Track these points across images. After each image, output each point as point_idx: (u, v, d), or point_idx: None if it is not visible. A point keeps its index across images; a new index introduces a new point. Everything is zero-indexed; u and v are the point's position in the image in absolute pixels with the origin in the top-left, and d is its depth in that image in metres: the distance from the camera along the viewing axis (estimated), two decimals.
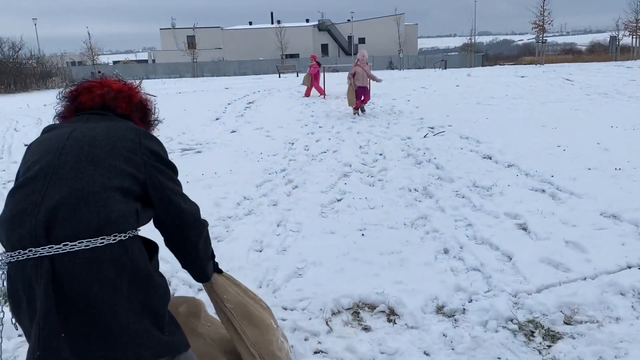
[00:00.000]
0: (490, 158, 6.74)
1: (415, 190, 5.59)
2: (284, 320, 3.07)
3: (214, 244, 4.28)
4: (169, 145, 8.81)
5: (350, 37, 59.08)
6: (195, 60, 48.65)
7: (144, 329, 1.70)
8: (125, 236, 1.67)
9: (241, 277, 3.63)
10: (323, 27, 60.97)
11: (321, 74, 16.21)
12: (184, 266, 2.13)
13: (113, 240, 1.64)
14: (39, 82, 32.45)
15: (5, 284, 1.67)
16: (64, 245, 1.59)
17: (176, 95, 19.54)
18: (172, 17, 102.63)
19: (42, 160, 1.71)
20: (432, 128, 9.10)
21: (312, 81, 16.02)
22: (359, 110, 11.57)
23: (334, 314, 3.16)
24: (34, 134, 10.77)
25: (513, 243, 3.99)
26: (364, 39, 60.47)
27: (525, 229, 4.30)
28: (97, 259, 1.61)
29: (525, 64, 38.31)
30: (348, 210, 5.04)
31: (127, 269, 1.67)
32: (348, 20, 60.64)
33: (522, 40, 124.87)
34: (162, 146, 1.96)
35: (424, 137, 8.38)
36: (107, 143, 1.75)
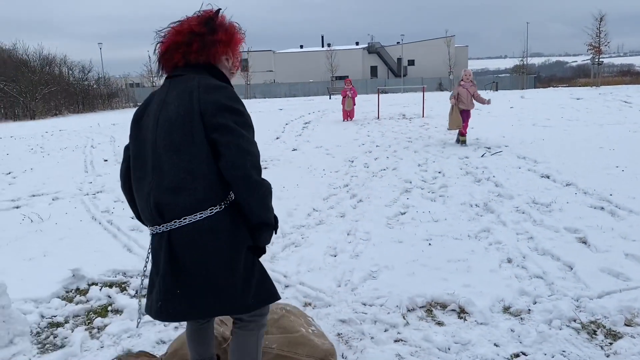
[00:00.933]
0: (548, 177, 6.95)
1: (476, 205, 5.89)
2: (364, 313, 3.45)
3: (291, 250, 4.76)
4: None
5: (399, 59, 59.55)
6: (248, 83, 50.21)
7: (244, 281, 2.07)
8: (221, 207, 2.01)
9: (321, 277, 4.09)
10: (372, 49, 61.76)
11: (347, 98, 15.87)
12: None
13: (210, 212, 1.99)
14: (104, 102, 34.37)
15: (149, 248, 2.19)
16: (172, 222, 1.99)
17: None
18: None
19: (142, 155, 2.06)
20: (488, 148, 9.34)
21: (345, 102, 16.03)
22: (461, 138, 10.03)
23: (409, 310, 3.52)
24: (109, 151, 11.67)
25: (573, 254, 4.24)
26: (413, 60, 60.84)
27: (585, 242, 4.54)
28: (198, 229, 1.98)
29: (580, 86, 37.61)
30: (413, 223, 5.40)
31: (224, 235, 2.01)
32: (397, 42, 61.20)
33: (576, 61, 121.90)
34: (224, 93, 2.00)
35: (482, 156, 8.64)
36: (179, 124, 1.96)
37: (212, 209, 1.99)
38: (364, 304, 3.62)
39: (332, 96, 36.96)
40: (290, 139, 12.39)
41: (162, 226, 2.01)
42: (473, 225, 5.19)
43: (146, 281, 2.26)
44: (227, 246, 2.02)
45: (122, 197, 7.06)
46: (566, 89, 33.19)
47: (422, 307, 3.56)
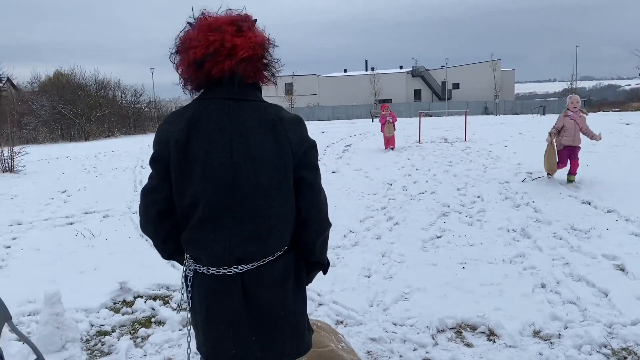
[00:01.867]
0: (589, 203, 6.85)
1: (513, 230, 5.87)
2: (394, 333, 3.55)
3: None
4: None
5: (443, 83, 59.36)
6: (292, 106, 51.08)
7: (302, 326, 1.98)
8: (287, 245, 1.89)
9: (354, 296, 4.20)
10: (417, 73, 61.83)
11: (387, 125, 14.08)
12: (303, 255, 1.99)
13: (280, 252, 1.86)
14: (154, 124, 35.70)
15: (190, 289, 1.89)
16: (251, 265, 1.81)
17: None
18: None
19: (217, 193, 1.74)
20: (530, 173, 9.25)
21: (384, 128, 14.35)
22: (569, 178, 8.05)
23: (438, 331, 3.59)
24: None
25: (610, 281, 4.21)
26: (458, 84, 60.51)
27: (622, 270, 4.49)
28: (273, 269, 1.83)
29: (632, 110, 36.44)
30: (448, 246, 5.45)
31: (294, 273, 1.91)
32: (442, 66, 61.05)
33: (629, 85, 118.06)
34: (305, 127, 1.86)
35: (522, 181, 8.58)
36: (269, 164, 1.75)
37: (283, 247, 1.88)
38: (395, 324, 3.71)
39: (374, 119, 37.20)
40: (331, 161, 12.59)
41: (236, 268, 1.80)
42: (509, 250, 5.20)
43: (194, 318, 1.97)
44: (298, 285, 1.95)
45: None
46: (616, 113, 32.24)
47: (452, 328, 3.62)
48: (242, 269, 1.79)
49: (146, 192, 1.86)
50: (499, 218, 6.41)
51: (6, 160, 13.58)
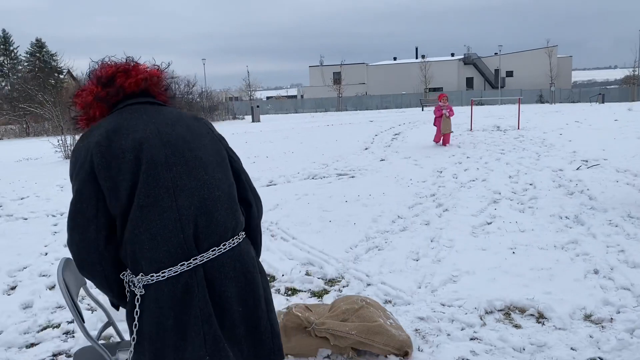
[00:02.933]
0: None
1: (566, 217, 5.77)
2: (442, 313, 3.60)
3: (374, 252, 4.96)
4: (326, 170, 9.79)
5: (496, 70, 57.80)
6: (340, 95, 51.03)
7: (275, 318, 1.93)
8: (244, 232, 1.90)
9: (402, 278, 4.27)
10: (469, 60, 60.46)
11: (444, 119, 12.28)
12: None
13: (242, 236, 1.85)
14: (206, 114, 36.57)
15: (138, 308, 1.71)
16: (211, 251, 1.73)
17: (326, 128, 20.99)
18: (320, 55, 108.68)
19: (153, 175, 1.69)
20: (585, 161, 9.00)
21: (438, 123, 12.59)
22: None
23: (487, 312, 3.62)
24: None
25: None
26: (512, 72, 58.79)
27: None
28: (237, 256, 1.79)
29: None
30: (498, 232, 5.42)
31: (256, 261, 1.90)
32: (495, 53, 59.45)
33: None
34: None
35: (577, 169, 8.36)
36: (198, 142, 1.81)
37: (242, 234, 1.87)
38: (443, 304, 3.76)
39: (424, 108, 36.74)
40: (379, 150, 12.60)
41: (196, 259, 1.70)
42: (560, 237, 5.12)
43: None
44: (262, 273, 1.94)
45: None
46: None
47: (500, 310, 3.64)
48: (203, 259, 1.76)
49: (82, 218, 1.88)
50: (551, 205, 6.30)
51: (69, 148, 14.32)
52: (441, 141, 12.46)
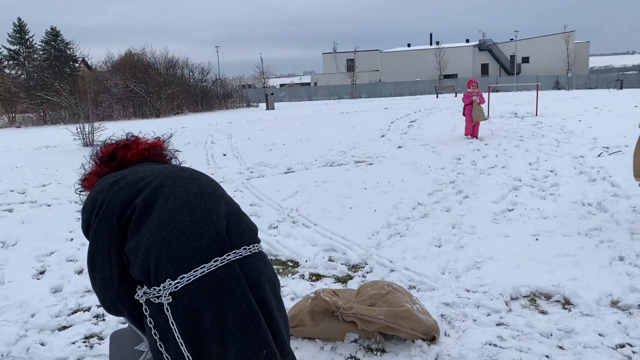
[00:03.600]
0: None
1: (589, 204, 5.73)
2: (467, 299, 3.61)
3: (396, 239, 4.97)
4: (344, 157, 9.79)
5: (512, 57, 57.06)
6: (354, 83, 50.78)
7: (286, 318, 1.88)
8: None
9: (426, 264, 4.28)
10: (484, 46, 59.73)
11: (474, 106, 11.19)
12: None
13: (260, 244, 1.87)
14: (220, 102, 36.65)
15: (172, 319, 1.59)
16: (243, 249, 1.70)
17: (341, 115, 20.94)
18: (334, 42, 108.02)
19: (180, 185, 1.77)
20: (606, 148, 8.89)
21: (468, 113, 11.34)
22: None
23: (512, 299, 3.62)
24: (227, 146, 12.59)
25: None
26: (528, 58, 58.00)
27: None
28: (264, 259, 1.80)
29: None
30: (520, 219, 5.40)
31: (273, 269, 1.88)
32: (511, 39, 58.60)
33: None
34: None
35: (598, 155, 8.27)
36: (210, 181, 1.92)
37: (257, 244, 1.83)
38: (467, 290, 3.77)
39: (439, 95, 36.46)
40: (396, 137, 12.56)
41: (229, 255, 1.65)
42: (584, 224, 5.09)
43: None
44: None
45: (241, 187, 7.72)
46: None
47: (526, 296, 3.64)
48: (236, 255, 1.78)
49: (107, 263, 2.00)
50: (573, 192, 6.25)
51: (87, 135, 14.47)
52: (472, 134, 11.25)
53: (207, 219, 1.67)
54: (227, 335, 1.58)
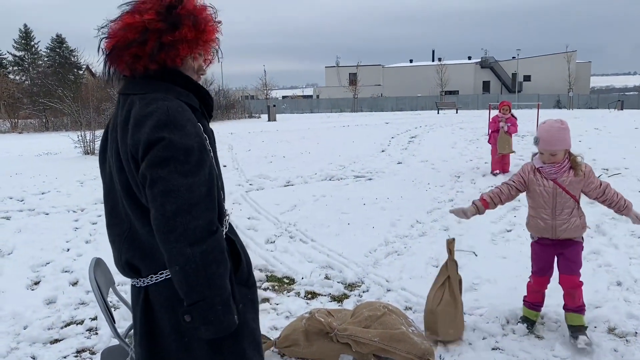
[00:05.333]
0: None
1: (587, 227, 5.70)
2: (464, 322, 3.58)
3: (394, 257, 4.95)
4: (344, 172, 9.79)
5: (514, 75, 57.34)
6: (355, 96, 51.00)
7: None
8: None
9: (423, 284, 4.24)
10: (486, 64, 60.07)
11: (501, 134, 9.00)
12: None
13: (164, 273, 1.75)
14: (223, 113, 36.75)
15: (240, 249, 1.82)
16: (149, 277, 1.69)
17: (342, 128, 20.98)
18: (337, 55, 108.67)
19: (110, 195, 1.75)
20: (606, 170, 8.90)
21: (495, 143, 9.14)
22: None
23: (508, 322, 3.59)
24: (228, 158, 12.59)
25: None
26: (529, 76, 58.32)
27: None
28: (157, 292, 1.72)
29: None
30: (519, 240, 5.38)
31: (165, 307, 1.75)
32: (513, 57, 58.95)
33: None
34: (144, 120, 1.54)
35: (598, 177, 8.25)
36: (116, 164, 1.68)
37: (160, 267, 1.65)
38: (464, 313, 3.73)
39: (440, 111, 36.59)
40: (396, 152, 12.58)
41: (139, 280, 1.67)
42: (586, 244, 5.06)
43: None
44: (175, 330, 1.68)
45: (240, 200, 7.71)
46: None
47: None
48: (145, 283, 1.64)
49: None
50: None
51: (88, 143, 14.48)
52: (499, 170, 9.14)
53: (119, 253, 1.74)
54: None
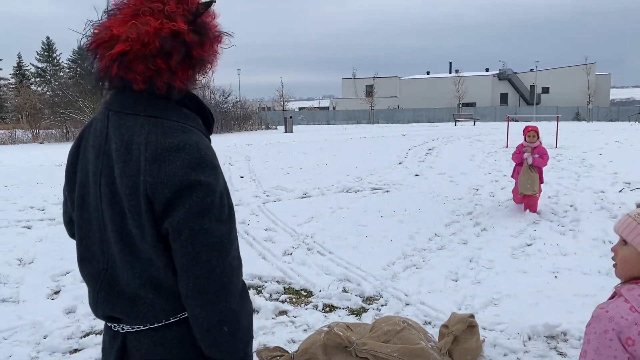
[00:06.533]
0: None
1: (610, 242, 5.61)
2: (484, 337, 3.53)
3: (412, 271, 4.91)
4: (361, 184, 9.77)
5: (532, 87, 56.93)
6: (372, 108, 51.02)
7: None
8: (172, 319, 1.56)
9: (442, 299, 4.20)
10: (503, 76, 59.75)
11: (525, 168, 6.92)
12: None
13: (163, 322, 1.53)
14: (240, 124, 37.01)
15: None
16: (129, 327, 1.49)
17: (359, 140, 20.98)
18: (353, 67, 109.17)
19: (88, 230, 1.49)
20: (628, 183, 8.75)
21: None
22: None
23: (530, 338, 3.53)
24: (245, 169, 12.65)
25: None
26: (548, 88, 57.87)
27: None
28: (160, 337, 1.50)
29: None
30: (539, 255, 5.30)
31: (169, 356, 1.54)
32: (531, 69, 58.59)
33: None
34: (175, 153, 1.30)
35: (620, 191, 8.13)
36: (119, 202, 1.39)
37: (177, 316, 1.41)
38: (484, 329, 3.68)
39: (457, 123, 36.42)
40: (413, 165, 12.52)
41: (116, 326, 1.45)
42: (605, 262, 4.97)
43: None
44: None
45: (257, 211, 7.72)
46: None
47: (545, 336, 3.55)
48: (123, 329, 1.42)
49: (63, 190, 1.60)
50: (594, 229, 6.13)
51: None
52: (528, 208, 7.05)
53: (91, 285, 1.54)
54: None
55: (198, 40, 1.32)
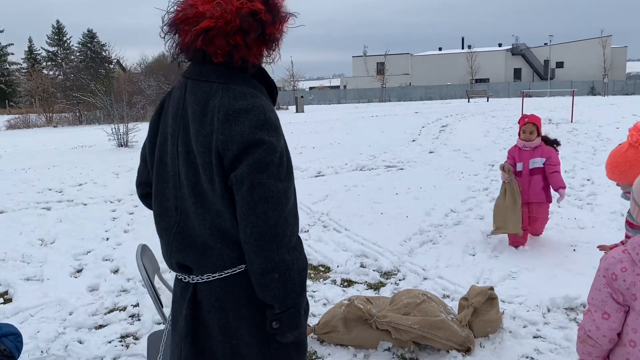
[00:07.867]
0: None
1: None
2: (503, 309, 3.54)
3: (429, 246, 4.92)
4: (374, 162, 9.75)
5: (546, 61, 56.05)
6: (384, 86, 50.61)
7: None
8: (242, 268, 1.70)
9: (460, 273, 4.22)
10: (517, 51, 58.86)
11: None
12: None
13: (231, 271, 1.66)
14: None
15: None
16: (199, 277, 1.62)
17: (371, 119, 20.89)
18: (364, 45, 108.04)
19: (163, 182, 1.66)
20: None
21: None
22: None
23: (549, 310, 3.54)
24: None
25: None
26: (562, 62, 56.93)
27: None
28: (219, 289, 1.62)
29: None
30: (557, 228, 5.28)
31: (237, 305, 1.65)
32: (545, 43, 57.59)
33: None
34: (242, 115, 1.45)
35: None
36: (194, 159, 1.56)
37: (242, 266, 1.54)
38: (503, 301, 3.69)
39: (470, 99, 36.05)
40: (427, 142, 12.46)
41: (187, 276, 1.59)
42: (622, 235, 4.93)
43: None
44: (250, 326, 1.56)
45: None
46: None
47: (565, 308, 3.56)
48: (194, 280, 1.56)
49: (142, 149, 1.80)
50: (611, 202, 6.09)
51: (122, 136, 14.77)
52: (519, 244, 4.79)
53: (165, 238, 1.69)
54: (172, 339, 1.73)
55: (271, 20, 1.48)
